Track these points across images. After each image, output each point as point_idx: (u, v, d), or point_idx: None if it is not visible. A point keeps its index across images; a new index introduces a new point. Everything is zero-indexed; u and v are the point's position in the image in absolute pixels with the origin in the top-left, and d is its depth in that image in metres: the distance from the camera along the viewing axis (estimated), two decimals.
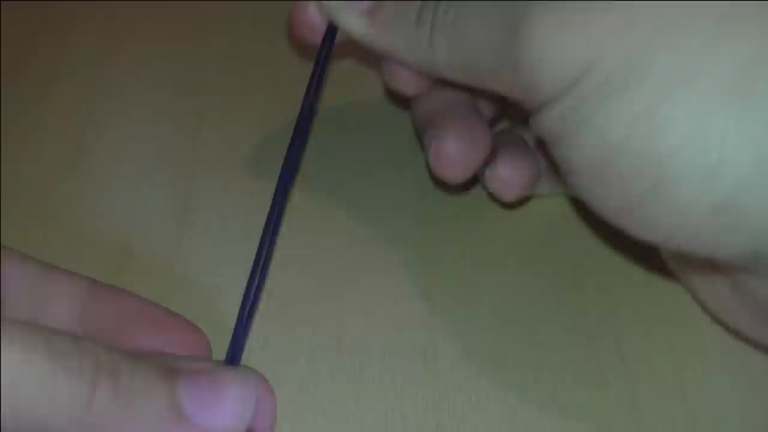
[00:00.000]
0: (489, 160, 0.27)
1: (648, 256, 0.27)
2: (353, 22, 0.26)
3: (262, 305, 0.26)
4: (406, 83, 0.27)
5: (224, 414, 0.19)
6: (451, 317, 0.26)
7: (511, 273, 0.27)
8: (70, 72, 0.34)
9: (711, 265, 0.23)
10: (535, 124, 0.22)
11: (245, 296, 0.22)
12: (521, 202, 0.29)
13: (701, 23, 0.19)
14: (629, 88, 0.19)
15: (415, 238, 0.28)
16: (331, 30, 0.27)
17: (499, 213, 0.29)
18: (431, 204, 0.29)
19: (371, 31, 0.25)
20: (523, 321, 0.26)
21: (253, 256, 0.28)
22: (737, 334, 0.25)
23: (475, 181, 0.28)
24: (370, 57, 0.28)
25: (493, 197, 0.29)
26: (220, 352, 0.22)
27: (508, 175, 0.26)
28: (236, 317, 0.24)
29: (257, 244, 0.28)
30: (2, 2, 0.37)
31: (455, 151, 0.25)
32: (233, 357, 0.21)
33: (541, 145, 0.24)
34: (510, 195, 0.27)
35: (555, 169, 0.24)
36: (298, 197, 0.29)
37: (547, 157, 0.26)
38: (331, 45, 0.27)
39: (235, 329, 0.22)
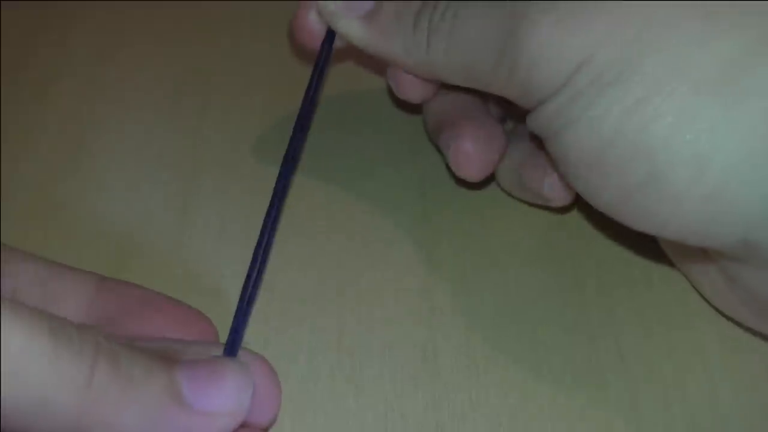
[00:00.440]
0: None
1: (648, 255, 0.27)
2: (351, 27, 0.26)
3: (262, 305, 0.26)
4: (412, 91, 0.27)
5: (223, 399, 0.19)
6: (451, 316, 0.26)
7: (511, 273, 0.27)
8: (70, 72, 0.34)
9: (704, 255, 0.24)
10: (532, 121, 0.23)
11: (245, 283, 0.22)
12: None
13: (689, 20, 0.20)
14: (621, 82, 0.20)
15: (415, 237, 0.28)
16: (330, 35, 0.27)
17: (499, 213, 0.29)
18: (431, 203, 0.29)
19: (369, 36, 0.26)
20: (523, 320, 0.26)
21: (248, 269, 0.28)
22: (735, 322, 0.25)
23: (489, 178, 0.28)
24: (369, 60, 0.28)
25: (493, 197, 0.29)
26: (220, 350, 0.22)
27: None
28: (230, 325, 0.24)
29: (256, 245, 0.28)
30: (2, 2, 0.37)
31: (473, 151, 0.26)
32: (232, 346, 0.21)
33: (539, 142, 0.24)
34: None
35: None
36: (298, 196, 0.29)
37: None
38: (329, 49, 0.27)
39: (235, 318, 0.22)
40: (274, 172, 0.30)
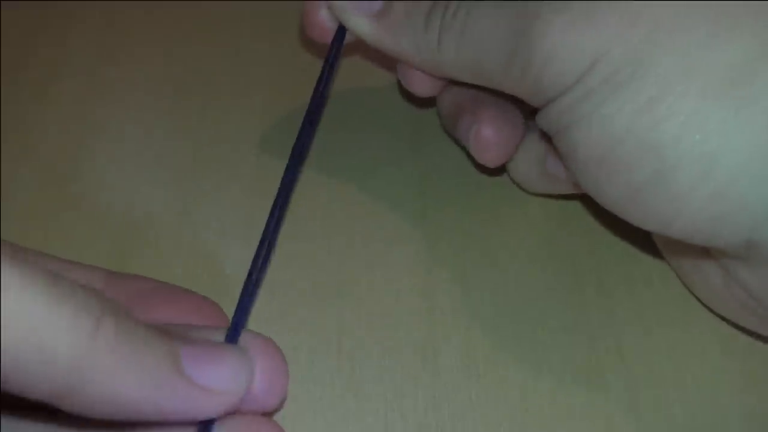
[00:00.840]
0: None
1: (648, 255, 0.27)
2: (362, 25, 0.26)
3: (262, 305, 0.26)
4: (421, 85, 0.28)
5: (221, 377, 0.19)
6: (451, 316, 0.26)
7: (511, 272, 0.27)
8: (70, 72, 0.34)
9: (704, 253, 0.24)
10: (541, 118, 0.24)
11: (251, 267, 0.22)
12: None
13: (701, 21, 0.20)
14: (633, 81, 0.21)
15: (416, 236, 0.28)
16: (341, 31, 0.27)
17: (499, 212, 0.29)
18: (431, 203, 0.29)
19: (378, 33, 0.26)
20: (523, 320, 0.26)
21: (253, 257, 0.28)
22: (726, 319, 0.25)
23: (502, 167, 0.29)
24: (378, 55, 0.28)
25: (493, 196, 0.29)
26: None
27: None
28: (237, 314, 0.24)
29: (257, 245, 0.28)
30: (2, 2, 0.37)
31: (494, 136, 0.26)
32: (234, 330, 0.21)
33: (547, 138, 0.25)
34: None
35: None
36: (298, 196, 0.29)
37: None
38: (340, 45, 0.28)
39: (238, 303, 0.22)
40: (274, 171, 0.30)
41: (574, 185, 0.27)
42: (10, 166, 0.31)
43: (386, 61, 0.31)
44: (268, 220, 0.24)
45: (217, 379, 0.19)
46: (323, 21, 0.28)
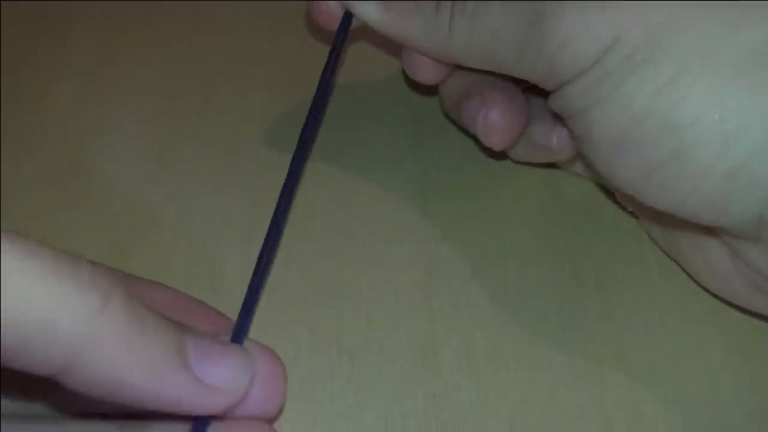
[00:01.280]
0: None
1: (648, 253, 0.27)
2: (369, 10, 0.26)
3: (262, 305, 0.26)
4: (426, 72, 0.28)
5: (224, 374, 0.19)
6: (451, 316, 0.26)
7: (511, 272, 0.27)
8: (70, 72, 0.34)
9: (709, 234, 0.24)
10: (555, 101, 0.24)
11: (255, 270, 0.22)
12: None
13: (717, 7, 0.21)
14: (652, 61, 0.21)
15: (415, 235, 0.28)
16: (347, 17, 0.27)
17: (499, 211, 0.29)
18: (431, 202, 0.29)
19: (386, 19, 0.26)
20: (523, 320, 0.26)
21: (253, 256, 0.28)
22: (730, 302, 0.25)
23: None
24: (384, 41, 0.28)
25: (493, 195, 0.29)
26: None
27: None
28: (238, 314, 0.24)
29: (257, 245, 0.28)
30: (2, 2, 0.37)
31: (501, 119, 0.26)
32: (238, 333, 0.21)
33: (560, 120, 0.25)
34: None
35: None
36: (297, 195, 0.29)
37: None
38: (346, 32, 0.27)
39: (242, 306, 0.22)
40: (274, 171, 0.30)
41: (548, 154, 0.27)
42: (10, 166, 0.31)
43: (392, 47, 0.31)
44: (270, 224, 0.23)
45: (219, 376, 0.19)
46: (329, 6, 0.28)
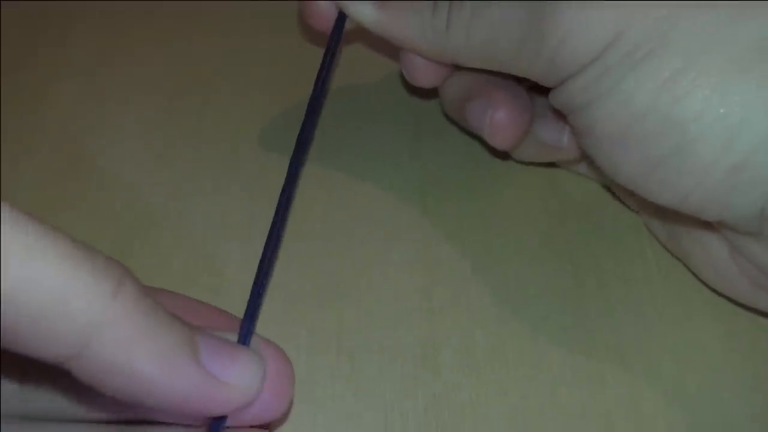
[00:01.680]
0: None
1: (648, 253, 0.27)
2: (365, 12, 0.26)
3: (262, 305, 0.26)
4: (425, 75, 0.27)
5: (236, 372, 0.19)
6: (451, 316, 0.26)
7: (511, 272, 0.27)
8: (70, 72, 0.34)
9: (711, 230, 0.24)
10: (555, 97, 0.24)
11: (258, 272, 0.22)
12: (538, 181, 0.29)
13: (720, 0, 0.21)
14: (654, 57, 0.21)
15: (415, 235, 0.28)
16: (341, 18, 0.27)
17: (499, 211, 0.29)
18: (431, 201, 0.29)
19: (382, 19, 0.26)
20: (523, 320, 0.26)
21: (253, 256, 0.28)
22: (731, 299, 0.25)
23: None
24: (379, 43, 0.28)
25: (493, 196, 0.29)
26: None
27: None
28: (237, 315, 0.24)
29: (257, 245, 0.28)
30: (2, 2, 0.37)
31: (507, 118, 0.26)
32: (245, 334, 0.21)
33: (561, 116, 0.25)
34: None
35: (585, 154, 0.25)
36: (297, 195, 0.29)
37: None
38: (340, 33, 0.27)
39: (247, 308, 0.22)
40: (274, 171, 0.30)
41: (557, 152, 0.27)
42: (10, 166, 0.31)
43: (388, 48, 0.31)
44: (271, 227, 0.23)
45: (232, 373, 0.19)
46: (322, 7, 0.27)
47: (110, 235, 0.28)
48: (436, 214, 0.29)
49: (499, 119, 0.26)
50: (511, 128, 0.26)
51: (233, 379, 0.19)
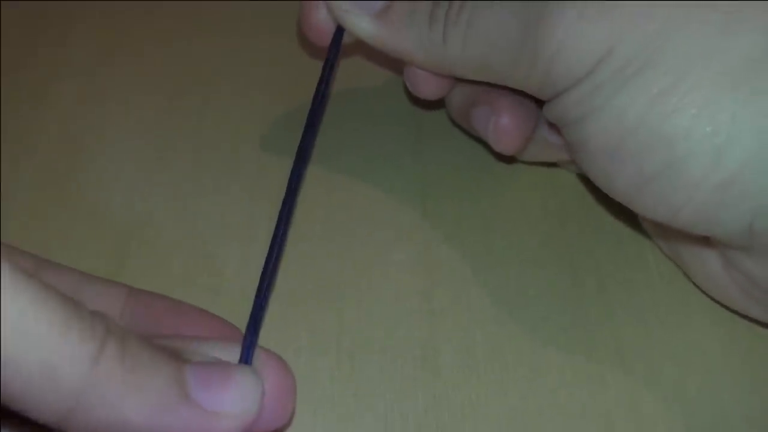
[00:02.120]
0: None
1: (648, 254, 0.27)
2: (362, 25, 0.26)
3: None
4: (428, 87, 0.28)
5: (229, 400, 0.19)
6: (451, 316, 0.26)
7: (511, 273, 0.27)
8: (70, 72, 0.34)
9: (704, 242, 0.24)
10: (549, 110, 0.24)
11: (258, 290, 0.22)
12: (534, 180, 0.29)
13: (711, 15, 0.21)
14: (645, 73, 0.21)
15: (416, 237, 0.28)
16: (339, 32, 0.27)
17: (499, 212, 0.29)
18: (431, 203, 0.29)
19: (380, 33, 0.26)
20: (523, 321, 0.26)
21: (252, 256, 0.28)
22: (725, 307, 0.26)
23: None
24: (378, 55, 0.28)
25: (493, 197, 0.29)
26: None
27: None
28: (238, 316, 0.24)
29: (257, 245, 0.28)
30: (2, 2, 0.37)
31: (511, 123, 0.26)
32: (246, 352, 0.21)
33: (554, 127, 0.25)
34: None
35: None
36: (298, 197, 0.29)
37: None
38: (338, 47, 0.27)
39: (248, 324, 0.21)
40: (274, 171, 0.30)
41: (562, 152, 0.27)
42: (10, 166, 0.31)
43: (387, 61, 0.31)
44: (274, 233, 0.23)
45: (225, 402, 0.19)
46: (321, 22, 0.27)
47: (110, 235, 0.28)
48: (436, 216, 0.29)
49: (503, 125, 0.26)
50: (515, 134, 0.26)
51: (227, 407, 0.19)
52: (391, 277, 0.27)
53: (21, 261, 0.22)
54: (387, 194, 0.30)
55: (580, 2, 0.21)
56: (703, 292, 0.26)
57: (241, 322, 0.23)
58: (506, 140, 0.27)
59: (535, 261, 0.27)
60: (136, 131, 0.32)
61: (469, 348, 0.25)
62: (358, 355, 0.25)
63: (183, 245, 0.28)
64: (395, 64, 0.28)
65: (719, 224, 0.21)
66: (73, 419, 0.17)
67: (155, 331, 0.22)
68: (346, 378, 0.25)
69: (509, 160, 0.30)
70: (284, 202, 0.24)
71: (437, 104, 0.31)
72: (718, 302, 0.26)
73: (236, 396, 0.19)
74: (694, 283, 0.26)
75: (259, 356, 0.21)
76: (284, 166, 0.30)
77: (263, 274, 0.23)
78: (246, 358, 0.21)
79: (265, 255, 0.23)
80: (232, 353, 0.21)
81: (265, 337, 0.25)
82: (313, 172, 0.30)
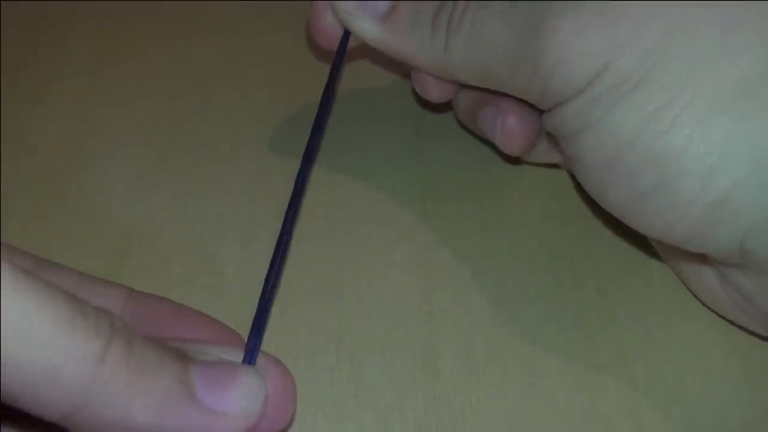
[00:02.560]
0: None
1: (648, 255, 0.27)
2: (367, 28, 0.26)
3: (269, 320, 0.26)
4: (435, 90, 0.28)
5: (234, 401, 0.19)
6: (451, 317, 0.26)
7: (511, 274, 0.27)
8: (70, 72, 0.34)
9: (701, 258, 0.24)
10: (548, 121, 0.24)
11: (263, 293, 0.22)
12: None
13: (710, 33, 0.21)
14: (642, 88, 0.21)
15: (416, 237, 0.28)
16: (346, 36, 0.27)
17: (499, 213, 0.29)
18: (432, 204, 0.29)
19: (384, 36, 0.26)
20: (523, 321, 0.26)
21: (253, 257, 0.28)
22: (722, 316, 0.26)
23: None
24: (384, 58, 0.28)
25: (493, 198, 0.29)
26: None
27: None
28: (238, 317, 0.24)
29: (257, 245, 0.28)
30: (2, 2, 0.37)
31: (518, 124, 0.26)
32: (251, 354, 0.21)
33: (552, 138, 0.25)
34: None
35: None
36: None
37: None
38: (344, 50, 0.28)
39: (253, 326, 0.22)
40: (275, 171, 0.30)
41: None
42: (10, 166, 0.31)
43: (392, 64, 0.31)
44: (280, 235, 0.23)
45: (229, 402, 0.19)
46: (329, 26, 0.28)
47: (110, 235, 0.28)
48: (436, 217, 0.29)
49: (510, 125, 0.26)
50: (522, 134, 0.26)
51: (232, 407, 0.19)
52: (391, 277, 0.27)
53: (20, 261, 0.22)
54: (387, 195, 0.30)
55: (580, 16, 0.21)
56: None
57: (241, 323, 0.23)
58: (513, 141, 0.27)
59: (535, 263, 0.27)
60: (136, 131, 0.32)
61: (469, 349, 0.25)
62: (358, 356, 0.25)
63: (183, 245, 0.28)
64: (401, 67, 0.28)
65: (712, 241, 0.21)
66: (78, 418, 0.17)
67: (155, 334, 0.22)
68: (346, 378, 0.25)
69: (515, 160, 0.30)
70: (290, 204, 0.24)
71: (444, 106, 0.31)
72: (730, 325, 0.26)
73: (241, 396, 0.19)
74: (694, 294, 0.26)
75: (258, 360, 0.21)
76: (285, 167, 0.30)
77: (268, 275, 0.23)
78: (250, 360, 0.21)
79: (266, 255, 0.23)
80: (234, 357, 0.21)
81: (265, 337, 0.25)
82: (313, 172, 0.30)
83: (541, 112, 0.24)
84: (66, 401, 0.17)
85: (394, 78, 0.34)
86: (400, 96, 0.33)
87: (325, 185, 0.30)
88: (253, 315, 0.22)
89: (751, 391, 0.24)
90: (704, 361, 0.25)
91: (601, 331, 0.25)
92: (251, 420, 0.19)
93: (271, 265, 0.23)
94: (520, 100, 0.26)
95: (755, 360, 0.25)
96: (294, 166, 0.25)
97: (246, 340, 0.21)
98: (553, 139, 0.25)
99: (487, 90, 0.27)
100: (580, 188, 0.29)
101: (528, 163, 0.30)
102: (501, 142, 0.27)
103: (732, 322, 0.25)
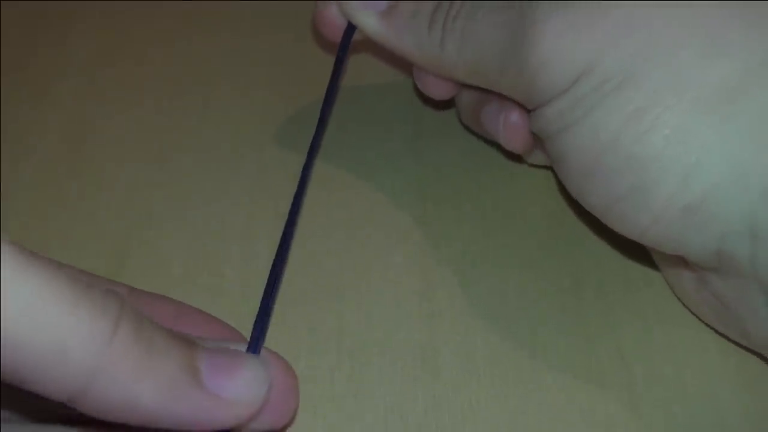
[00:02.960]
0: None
1: (647, 256, 0.27)
2: (369, 23, 0.27)
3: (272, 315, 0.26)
4: (437, 88, 0.28)
5: (240, 388, 0.19)
6: (451, 318, 0.26)
7: (510, 274, 0.27)
8: (70, 72, 0.34)
9: (680, 261, 0.24)
10: (534, 121, 0.24)
11: (268, 282, 0.22)
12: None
13: (693, 38, 0.21)
14: (622, 91, 0.21)
15: (416, 238, 0.28)
16: (350, 29, 0.28)
17: (499, 214, 0.29)
18: (431, 204, 0.29)
19: (384, 31, 0.27)
20: (523, 321, 0.26)
21: (253, 256, 0.28)
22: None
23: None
24: (386, 53, 0.28)
25: (493, 199, 0.29)
26: None
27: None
28: (238, 316, 0.24)
29: (257, 245, 0.28)
30: (2, 2, 0.37)
31: (521, 120, 0.26)
32: (255, 344, 0.21)
33: (538, 139, 0.25)
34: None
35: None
36: None
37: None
38: (348, 42, 0.28)
39: (257, 317, 0.22)
40: (275, 171, 0.30)
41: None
42: (10, 166, 0.31)
43: (395, 59, 0.31)
44: (287, 221, 0.24)
45: (235, 388, 0.19)
46: (333, 18, 0.28)
47: (110, 235, 0.28)
48: (435, 217, 0.29)
49: (513, 122, 0.27)
50: (525, 130, 0.27)
51: (237, 395, 0.19)
52: (391, 278, 0.27)
53: None
54: (386, 195, 0.30)
55: (566, 17, 0.22)
56: None
57: (242, 322, 0.23)
58: (517, 137, 0.27)
59: (534, 262, 0.27)
60: (137, 131, 0.32)
61: (469, 350, 0.25)
62: (358, 356, 0.25)
63: (183, 245, 0.28)
64: (403, 62, 0.28)
65: (687, 245, 0.21)
66: (84, 398, 0.17)
67: None
68: (346, 378, 0.25)
69: (517, 159, 0.30)
70: (296, 195, 0.24)
71: (445, 103, 0.31)
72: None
73: (247, 383, 0.19)
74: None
75: (261, 353, 0.21)
76: (285, 167, 0.30)
77: (273, 267, 0.23)
78: (254, 350, 0.21)
79: (266, 255, 0.23)
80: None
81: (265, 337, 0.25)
82: (313, 172, 0.30)
83: (529, 111, 0.25)
84: (73, 382, 0.16)
85: (393, 78, 0.34)
86: (399, 96, 0.33)
87: (324, 185, 0.30)
88: (254, 315, 0.22)
89: (750, 391, 0.24)
90: (704, 360, 0.25)
91: (600, 332, 0.25)
92: (255, 407, 0.19)
93: (278, 254, 0.23)
94: None
95: (755, 360, 0.25)
96: (294, 165, 0.25)
97: (247, 338, 0.21)
98: (539, 140, 0.25)
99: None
100: (564, 193, 0.29)
101: (528, 163, 0.30)
102: (504, 139, 0.27)
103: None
